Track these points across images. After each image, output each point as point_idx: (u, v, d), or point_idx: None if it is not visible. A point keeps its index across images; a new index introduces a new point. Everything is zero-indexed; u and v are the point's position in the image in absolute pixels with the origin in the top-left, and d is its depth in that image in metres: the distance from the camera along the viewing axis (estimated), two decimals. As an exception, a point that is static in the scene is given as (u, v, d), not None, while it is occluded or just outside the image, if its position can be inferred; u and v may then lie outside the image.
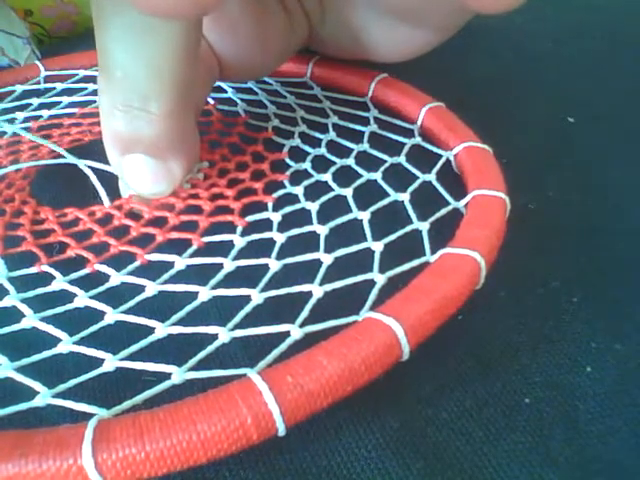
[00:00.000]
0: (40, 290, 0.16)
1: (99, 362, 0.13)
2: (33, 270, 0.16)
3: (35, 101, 0.25)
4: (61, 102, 0.25)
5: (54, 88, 0.26)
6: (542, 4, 0.26)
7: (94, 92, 0.26)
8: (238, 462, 0.13)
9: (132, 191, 0.18)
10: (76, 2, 0.34)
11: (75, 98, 0.25)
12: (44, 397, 0.12)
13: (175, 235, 0.17)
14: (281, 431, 0.12)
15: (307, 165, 0.20)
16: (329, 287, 0.15)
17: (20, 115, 0.25)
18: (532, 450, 0.13)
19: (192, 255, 0.16)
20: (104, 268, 0.16)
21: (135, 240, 0.17)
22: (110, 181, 0.19)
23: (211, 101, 0.24)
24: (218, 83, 0.25)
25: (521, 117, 0.20)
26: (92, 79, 0.27)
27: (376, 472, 0.12)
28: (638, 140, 0.22)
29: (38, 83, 0.27)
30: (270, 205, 0.18)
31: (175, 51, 0.15)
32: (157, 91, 0.16)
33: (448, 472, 0.12)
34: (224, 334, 0.13)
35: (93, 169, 0.19)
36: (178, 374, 0.13)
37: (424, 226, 0.17)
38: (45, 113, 0.24)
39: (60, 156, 0.20)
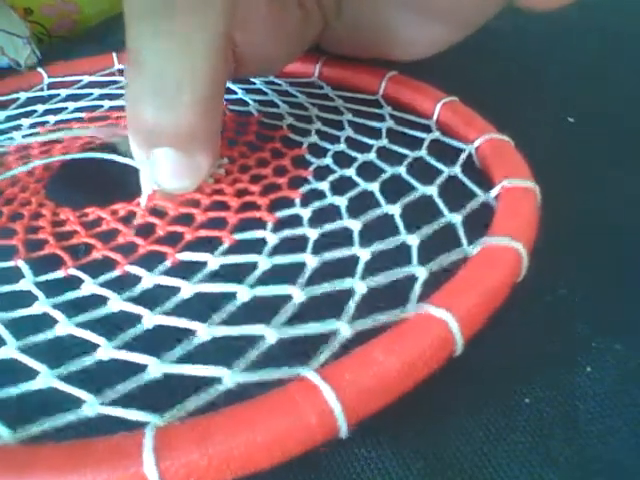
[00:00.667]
0: (70, 295, 0.15)
1: (142, 368, 0.13)
2: (60, 274, 0.16)
3: (40, 107, 0.25)
4: (67, 108, 0.25)
5: (58, 94, 0.26)
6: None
7: (100, 97, 0.25)
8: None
9: (155, 187, 0.18)
10: (77, 1, 0.33)
11: (82, 103, 0.25)
12: (92, 406, 0.12)
13: (204, 233, 0.17)
14: (343, 431, 0.11)
15: (328, 161, 0.20)
16: (372, 283, 0.14)
17: (26, 122, 0.24)
18: (532, 450, 0.13)
19: (224, 253, 0.16)
20: (135, 269, 0.16)
21: (163, 239, 0.17)
22: (129, 177, 0.18)
23: None
24: (227, 84, 0.25)
25: (521, 117, 0.20)
26: (97, 84, 0.27)
27: (376, 472, 0.12)
28: (638, 140, 0.22)
29: (42, 90, 0.27)
30: (297, 201, 0.18)
31: (210, 39, 0.15)
32: (189, 81, 0.15)
33: (448, 472, 0.12)
34: (272, 334, 0.13)
35: (114, 165, 0.19)
36: (230, 377, 0.12)
37: (457, 218, 0.16)
38: (51, 119, 0.24)
39: (84, 151, 0.20)
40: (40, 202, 0.19)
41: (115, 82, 0.27)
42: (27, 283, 0.16)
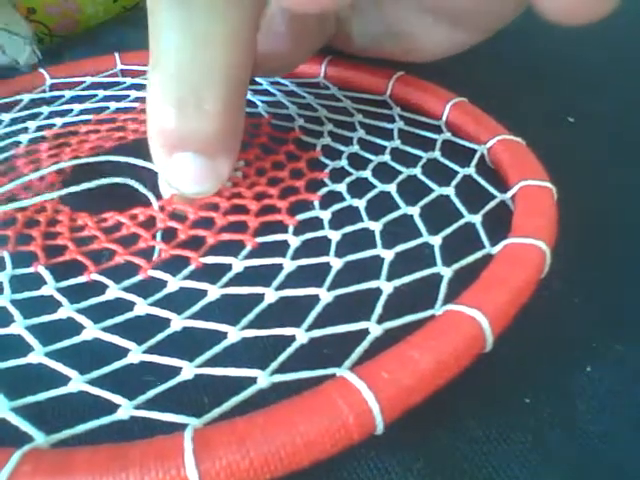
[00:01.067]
0: (95, 300, 0.15)
1: (175, 370, 0.13)
2: (82, 279, 0.16)
3: (45, 109, 0.25)
4: (72, 110, 0.25)
5: (62, 96, 0.26)
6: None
7: (105, 98, 0.25)
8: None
9: (174, 191, 0.17)
10: (79, 1, 0.33)
11: (87, 105, 0.25)
12: (126, 409, 0.12)
13: (227, 237, 0.17)
14: (380, 429, 0.11)
15: (344, 162, 0.20)
16: (398, 283, 0.14)
17: (32, 124, 0.24)
18: (532, 450, 0.13)
19: (247, 256, 0.16)
20: (158, 274, 0.16)
21: (185, 243, 0.17)
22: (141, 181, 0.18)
23: None
24: None
25: (521, 117, 0.20)
26: (101, 85, 0.26)
27: (376, 472, 0.12)
28: (638, 140, 0.22)
29: (44, 91, 0.26)
30: (317, 203, 0.18)
31: (235, 47, 0.15)
32: (214, 88, 0.15)
33: (448, 472, 0.12)
34: (303, 335, 0.13)
35: (131, 168, 0.19)
36: (265, 378, 0.12)
37: (477, 219, 0.17)
38: (58, 121, 0.24)
39: (96, 155, 0.20)
40: (55, 208, 0.19)
41: (118, 83, 0.27)
42: (49, 289, 0.16)
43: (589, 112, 0.22)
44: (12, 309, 0.15)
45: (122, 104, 0.25)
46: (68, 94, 0.26)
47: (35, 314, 0.15)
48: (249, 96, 0.25)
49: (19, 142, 0.23)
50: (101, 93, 0.26)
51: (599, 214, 0.18)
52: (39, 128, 0.24)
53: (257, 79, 0.26)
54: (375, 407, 0.11)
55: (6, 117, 0.25)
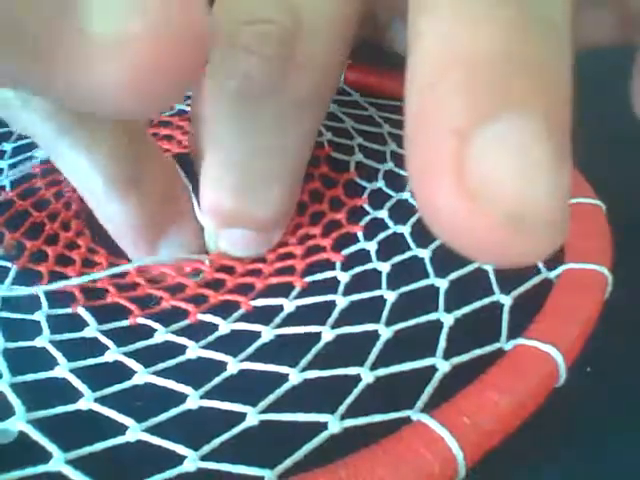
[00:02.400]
0: (142, 343, 0.15)
1: (239, 416, 0.12)
2: (125, 323, 0.15)
3: None
4: None
5: None
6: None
7: None
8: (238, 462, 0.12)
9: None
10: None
11: None
12: (193, 461, 0.11)
13: (275, 280, 0.16)
14: (462, 476, 0.11)
15: (381, 184, 0.20)
16: (459, 314, 0.14)
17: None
18: (532, 450, 0.12)
19: (298, 297, 0.15)
20: (208, 317, 0.15)
21: (233, 290, 0.16)
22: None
23: None
24: None
25: None
26: None
27: None
28: (639, 140, 0.22)
29: None
30: (360, 235, 0.18)
31: (302, 146, 0.15)
32: (277, 180, 0.16)
33: None
34: (367, 375, 0.13)
35: None
36: (335, 422, 0.12)
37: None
38: None
39: None
40: (89, 247, 0.18)
41: None
42: (92, 331, 0.15)
43: (589, 112, 0.22)
44: (54, 351, 0.14)
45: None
46: None
47: (80, 357, 0.14)
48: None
49: (34, 157, 0.22)
50: None
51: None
52: None
53: None
54: (459, 455, 0.11)
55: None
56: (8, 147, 0.23)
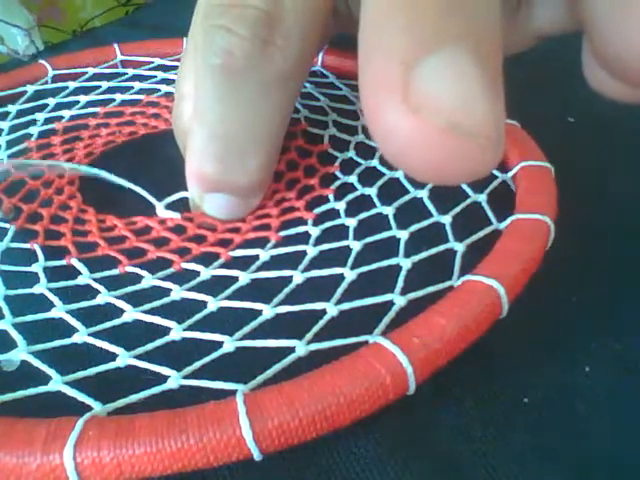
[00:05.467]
0: (132, 288, 0.16)
1: (216, 345, 0.14)
2: (116, 272, 0.17)
3: (51, 101, 0.25)
4: (78, 101, 0.25)
5: (67, 87, 0.26)
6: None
7: (110, 90, 0.26)
8: (237, 462, 0.12)
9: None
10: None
11: (93, 96, 0.25)
12: (176, 379, 0.13)
13: (252, 235, 0.18)
14: (412, 389, 0.12)
15: (351, 153, 0.21)
16: (416, 258, 0.16)
17: (40, 116, 0.24)
18: (531, 449, 0.13)
19: (273, 248, 0.17)
20: (191, 266, 0.17)
21: (214, 244, 0.18)
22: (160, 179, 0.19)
23: None
24: None
25: (521, 117, 0.20)
26: (104, 76, 0.27)
27: (375, 472, 0.12)
28: (639, 140, 0.23)
29: (47, 83, 0.27)
30: (331, 196, 0.19)
31: (279, 118, 0.17)
32: (257, 149, 0.17)
33: (447, 472, 0.12)
34: (332, 308, 0.14)
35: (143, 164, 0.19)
36: (302, 346, 0.13)
37: (482, 198, 0.18)
38: (66, 113, 0.24)
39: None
40: (80, 207, 0.20)
41: (120, 74, 0.27)
42: (85, 279, 0.16)
43: (589, 112, 0.22)
44: (51, 296, 0.16)
45: (127, 96, 0.25)
46: (72, 85, 0.26)
47: (74, 300, 0.16)
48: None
49: (30, 135, 0.23)
50: (105, 84, 0.26)
51: (599, 213, 0.19)
52: (48, 120, 0.24)
53: None
54: (409, 369, 0.12)
55: (12, 109, 0.25)
56: (5, 125, 0.24)
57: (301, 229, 0.18)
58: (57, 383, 0.13)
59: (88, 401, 0.12)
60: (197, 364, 0.13)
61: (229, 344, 0.14)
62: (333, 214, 0.18)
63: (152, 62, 0.27)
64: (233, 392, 0.12)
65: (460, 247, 0.16)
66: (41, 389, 0.13)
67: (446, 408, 0.13)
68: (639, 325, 0.15)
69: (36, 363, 0.14)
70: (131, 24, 0.35)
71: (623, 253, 0.18)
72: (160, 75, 0.26)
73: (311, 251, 0.17)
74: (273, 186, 0.20)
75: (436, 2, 0.10)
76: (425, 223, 0.17)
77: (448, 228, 0.17)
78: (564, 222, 0.16)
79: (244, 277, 0.16)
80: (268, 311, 0.14)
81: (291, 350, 0.13)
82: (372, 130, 0.11)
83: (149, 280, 0.16)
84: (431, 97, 0.10)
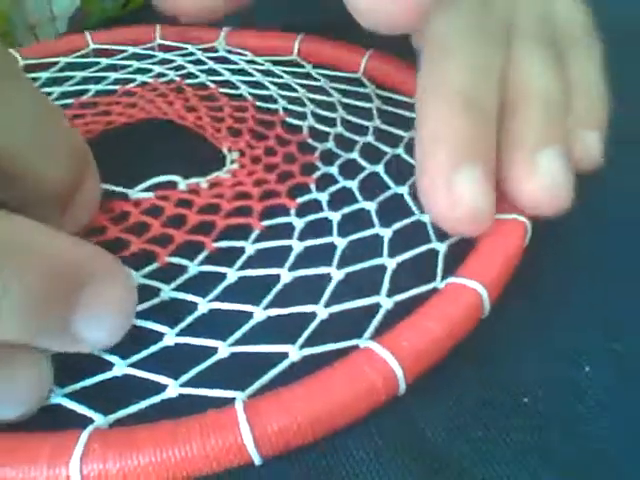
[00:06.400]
0: None
1: (211, 350, 0.14)
2: None
3: (78, 74, 0.25)
4: (52, 93, 0.24)
5: (39, 78, 0.25)
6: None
7: (83, 80, 0.25)
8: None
9: None
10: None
11: (66, 87, 0.25)
12: (175, 388, 0.13)
13: (235, 221, 0.18)
14: (402, 390, 0.13)
15: (331, 144, 0.21)
16: (400, 259, 0.16)
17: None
18: (531, 450, 0.13)
19: (257, 239, 0.17)
20: (177, 260, 0.17)
21: (195, 229, 0.18)
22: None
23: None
24: (214, 66, 0.26)
25: None
26: (77, 66, 0.26)
27: (374, 473, 0.13)
28: (638, 140, 0.22)
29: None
30: (313, 186, 0.19)
31: None
32: None
33: (447, 472, 0.12)
34: (322, 311, 0.15)
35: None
36: (296, 352, 0.14)
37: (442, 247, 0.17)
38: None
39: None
40: None
41: (93, 64, 0.26)
42: None
43: None
44: None
45: (102, 86, 0.25)
46: (44, 75, 0.25)
47: None
48: (228, 76, 0.25)
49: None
50: (78, 75, 0.25)
51: (599, 213, 0.19)
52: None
53: (232, 57, 0.26)
54: (399, 371, 0.13)
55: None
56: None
57: (284, 220, 0.18)
58: (57, 396, 0.13)
59: (89, 413, 0.13)
60: (193, 371, 0.14)
61: (224, 350, 0.14)
62: (316, 206, 0.19)
63: (125, 51, 0.27)
64: (230, 399, 0.13)
65: (442, 247, 0.16)
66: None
67: (446, 408, 0.14)
68: (639, 325, 0.16)
69: None
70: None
71: (624, 251, 0.18)
72: (135, 64, 0.26)
73: (297, 246, 0.17)
74: (249, 167, 0.20)
75: (465, 140, 0.16)
76: (407, 221, 0.17)
77: (429, 227, 0.17)
78: (563, 218, 0.16)
79: (232, 274, 0.16)
80: (259, 313, 0.15)
81: (284, 355, 0.14)
82: (423, 203, 0.16)
83: (135, 278, 0.16)
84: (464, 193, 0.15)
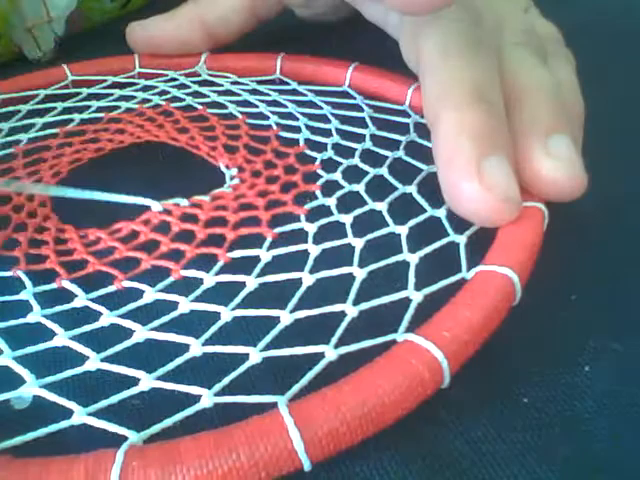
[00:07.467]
0: (133, 305, 0.15)
1: (241, 358, 0.13)
2: (113, 288, 0.16)
3: (4, 126, 0.24)
4: (34, 124, 0.24)
5: (19, 111, 0.25)
6: (548, 4, 0.26)
7: (66, 110, 0.25)
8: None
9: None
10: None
11: (49, 118, 0.24)
12: (209, 397, 0.12)
13: (245, 231, 0.17)
14: (447, 382, 0.13)
15: (330, 153, 0.21)
16: (422, 253, 0.16)
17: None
18: (531, 449, 0.13)
19: (271, 247, 0.17)
20: (191, 272, 0.16)
21: (205, 242, 0.17)
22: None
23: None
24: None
25: None
26: (58, 97, 0.25)
27: (374, 472, 0.12)
28: (639, 140, 0.22)
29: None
30: (319, 193, 0.19)
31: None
32: None
33: (447, 472, 0.12)
34: (352, 309, 0.14)
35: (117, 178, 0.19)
36: (332, 350, 0.13)
37: (461, 239, 0.16)
38: (23, 137, 0.23)
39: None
40: (57, 227, 0.19)
41: (73, 95, 0.26)
42: (82, 300, 0.16)
43: (589, 112, 0.20)
44: (49, 323, 0.15)
45: (86, 115, 0.24)
46: (24, 108, 0.25)
47: (75, 325, 0.15)
48: (215, 97, 0.25)
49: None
50: (60, 105, 0.25)
51: (598, 212, 0.19)
52: (4, 145, 0.23)
53: (216, 80, 0.26)
54: (444, 362, 0.12)
55: (23, 108, 0.25)
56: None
57: (295, 225, 0.18)
58: (81, 415, 0.12)
59: (121, 430, 0.12)
60: (227, 379, 0.13)
61: (255, 355, 0.13)
62: (325, 210, 0.18)
63: (105, 80, 0.26)
64: (271, 404, 0.12)
65: (462, 239, 0.16)
66: (64, 424, 0.12)
67: (446, 408, 0.13)
68: (639, 325, 0.16)
69: (51, 397, 0.13)
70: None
71: (624, 252, 0.18)
72: (117, 92, 0.26)
73: (313, 250, 0.16)
74: (250, 181, 0.20)
75: (486, 131, 0.16)
76: (421, 218, 0.17)
77: (445, 221, 0.17)
78: (561, 217, 0.16)
79: (252, 282, 0.15)
80: (286, 317, 0.14)
81: (320, 355, 0.13)
82: (449, 198, 0.16)
83: (151, 294, 0.16)
84: (496, 181, 0.15)
